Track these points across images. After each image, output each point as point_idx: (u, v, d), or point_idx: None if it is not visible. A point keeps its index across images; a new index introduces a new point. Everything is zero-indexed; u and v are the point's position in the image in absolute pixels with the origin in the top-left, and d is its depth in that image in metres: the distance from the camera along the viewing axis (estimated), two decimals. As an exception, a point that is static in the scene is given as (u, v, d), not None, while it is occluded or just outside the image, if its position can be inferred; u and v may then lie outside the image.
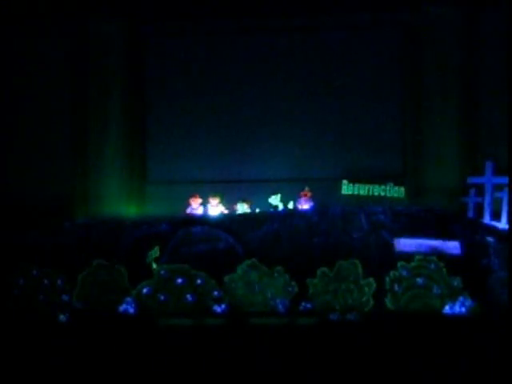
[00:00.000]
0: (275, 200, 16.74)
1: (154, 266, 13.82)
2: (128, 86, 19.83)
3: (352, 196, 16.36)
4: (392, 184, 16.38)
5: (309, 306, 13.19)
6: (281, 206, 16.67)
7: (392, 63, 19.44)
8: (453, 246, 13.40)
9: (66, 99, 19.68)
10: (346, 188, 16.40)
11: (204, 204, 16.67)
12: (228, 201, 16.98)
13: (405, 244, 13.62)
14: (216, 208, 16.52)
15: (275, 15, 19.28)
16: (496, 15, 18.08)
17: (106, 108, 19.58)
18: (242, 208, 16.45)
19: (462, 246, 13.41)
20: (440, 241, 13.49)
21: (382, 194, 16.37)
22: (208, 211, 16.50)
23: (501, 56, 17.45)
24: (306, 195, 16.55)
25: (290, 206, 16.72)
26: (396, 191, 16.44)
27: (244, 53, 19.76)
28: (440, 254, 13.27)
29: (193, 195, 16.76)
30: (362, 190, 16.46)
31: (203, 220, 15.02)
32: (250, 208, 16.55)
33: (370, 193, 16.41)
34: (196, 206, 16.59)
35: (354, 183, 16.37)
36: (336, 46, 19.50)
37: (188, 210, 16.58)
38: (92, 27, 19.55)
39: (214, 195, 16.74)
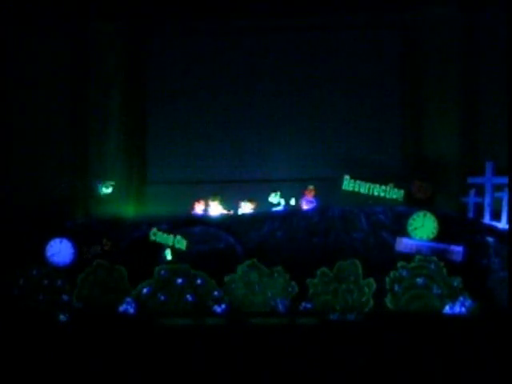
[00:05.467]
0: (275, 198, 16.69)
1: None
2: (128, 85, 19.83)
3: (352, 193, 16.30)
4: (392, 185, 16.31)
5: (309, 305, 13.20)
6: (282, 203, 16.63)
7: (392, 64, 19.42)
8: (455, 251, 13.33)
9: (66, 99, 19.66)
10: (348, 183, 16.28)
11: (206, 208, 16.62)
12: (229, 201, 16.93)
13: (406, 244, 13.59)
14: (216, 209, 16.46)
15: (275, 15, 19.27)
16: (497, 16, 18.08)
17: (106, 108, 19.57)
18: (246, 207, 16.32)
19: (465, 252, 13.33)
20: (442, 244, 13.43)
21: (382, 194, 16.29)
22: (209, 212, 16.45)
23: (501, 57, 17.45)
24: (310, 193, 16.51)
25: (292, 202, 16.67)
26: (395, 193, 16.35)
27: (244, 53, 19.73)
28: (441, 257, 13.24)
29: (197, 200, 16.71)
30: (363, 188, 16.37)
31: (203, 220, 15.01)
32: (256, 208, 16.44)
33: (371, 192, 16.36)
34: (199, 210, 16.55)
35: (355, 180, 16.26)
36: (336, 46, 19.48)
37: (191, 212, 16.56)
38: (92, 27, 19.55)
39: (214, 197, 16.64)
